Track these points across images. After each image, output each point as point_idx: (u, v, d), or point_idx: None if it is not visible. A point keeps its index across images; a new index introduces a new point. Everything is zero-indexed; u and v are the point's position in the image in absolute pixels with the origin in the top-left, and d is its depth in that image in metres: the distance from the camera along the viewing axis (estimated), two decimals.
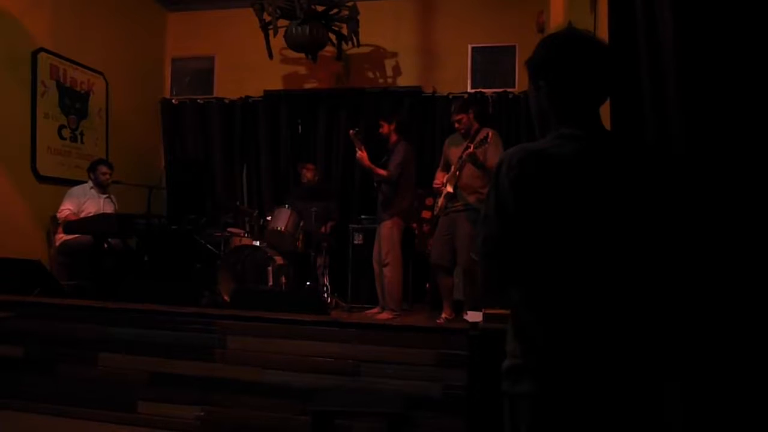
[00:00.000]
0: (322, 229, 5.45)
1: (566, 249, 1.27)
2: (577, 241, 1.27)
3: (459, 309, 4.77)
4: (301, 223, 5.25)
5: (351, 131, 4.83)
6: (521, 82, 6.10)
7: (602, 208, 1.28)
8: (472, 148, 4.20)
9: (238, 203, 5.93)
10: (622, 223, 1.28)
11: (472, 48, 6.31)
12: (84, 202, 5.00)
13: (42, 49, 5.18)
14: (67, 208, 4.89)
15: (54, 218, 5.02)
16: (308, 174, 5.78)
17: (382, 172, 4.71)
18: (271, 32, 5.58)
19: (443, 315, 4.48)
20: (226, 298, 4.70)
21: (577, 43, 1.38)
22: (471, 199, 4.38)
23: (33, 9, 5.09)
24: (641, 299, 1.29)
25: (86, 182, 5.14)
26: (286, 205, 5.28)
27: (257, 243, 5.07)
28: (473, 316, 2.82)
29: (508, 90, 6.09)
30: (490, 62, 6.30)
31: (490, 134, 4.19)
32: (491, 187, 1.34)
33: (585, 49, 1.36)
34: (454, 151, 4.61)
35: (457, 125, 4.51)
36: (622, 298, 1.27)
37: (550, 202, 1.27)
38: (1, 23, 4.75)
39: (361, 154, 4.73)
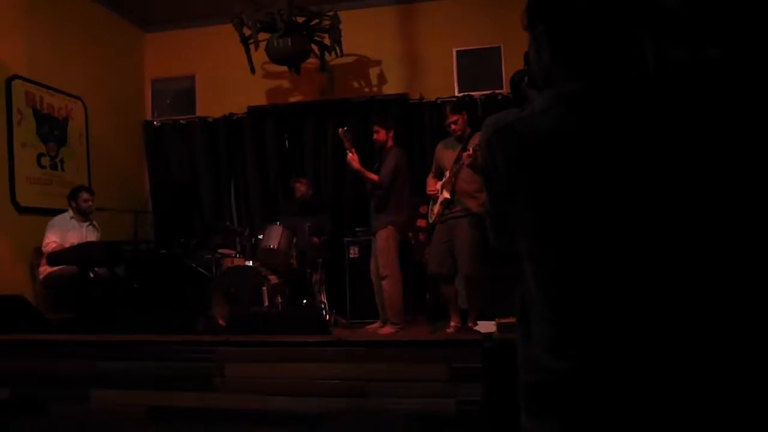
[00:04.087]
0: (315, 240, 5.27)
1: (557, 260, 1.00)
2: (574, 252, 0.99)
3: (463, 318, 4.64)
4: (294, 240, 5.10)
5: (340, 129, 4.67)
6: (509, 83, 6.01)
7: (607, 196, 0.96)
8: (471, 151, 4.08)
9: (227, 223, 5.77)
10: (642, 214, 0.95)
11: (457, 51, 6.23)
12: (66, 232, 4.80)
13: (16, 76, 5.01)
14: (52, 241, 4.69)
15: (37, 250, 4.82)
16: (302, 188, 5.64)
17: (374, 176, 4.57)
18: (252, 46, 5.45)
19: (452, 323, 4.32)
20: (221, 322, 4.52)
21: None
22: (470, 203, 4.26)
23: (6, 36, 4.93)
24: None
25: (66, 211, 4.95)
26: (278, 222, 5.13)
27: (250, 263, 4.91)
28: (485, 326, 2.69)
29: (496, 92, 5.99)
30: (476, 65, 6.22)
31: None
32: None
33: None
34: (448, 155, 4.49)
35: (453, 126, 4.39)
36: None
37: (531, 196, 1.01)
38: None
39: (352, 156, 4.56)
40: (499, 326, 2.42)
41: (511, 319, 2.49)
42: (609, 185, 0.97)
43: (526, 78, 1.26)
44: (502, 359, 2.41)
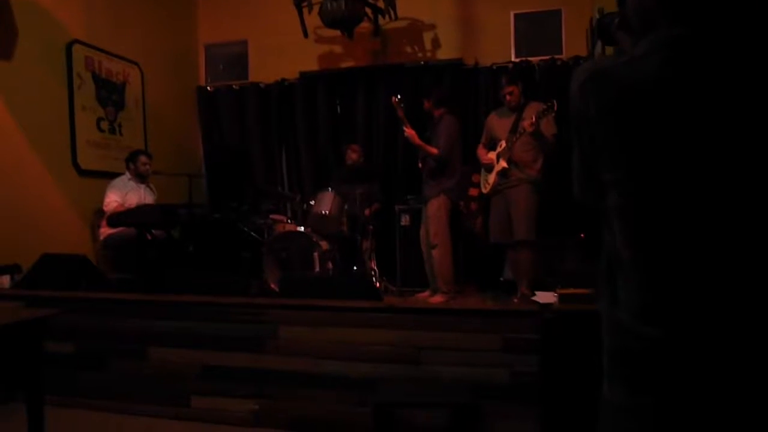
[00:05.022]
0: (367, 212, 5.26)
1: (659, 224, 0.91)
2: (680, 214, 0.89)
3: (511, 289, 4.56)
4: (345, 206, 5.08)
5: (393, 98, 4.62)
6: (569, 47, 5.77)
7: (711, 150, 0.86)
8: (534, 119, 3.97)
9: (279, 188, 5.80)
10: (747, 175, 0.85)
11: (515, 15, 6.00)
12: (126, 193, 4.93)
13: (76, 41, 5.11)
14: (113, 200, 4.81)
15: (97, 212, 4.97)
16: (354, 155, 5.60)
17: (434, 150, 4.51)
18: (305, 10, 5.38)
19: (522, 291, 4.24)
20: (272, 286, 4.59)
21: None
22: (528, 171, 4.18)
23: (65, 1, 5.01)
24: None
25: (124, 174, 5.06)
26: (329, 189, 5.12)
27: (301, 228, 4.93)
28: (543, 297, 2.61)
29: (556, 57, 5.75)
30: (535, 29, 5.98)
31: (555, 103, 3.99)
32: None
33: None
34: (502, 125, 4.41)
35: (509, 97, 4.34)
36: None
37: (628, 148, 0.92)
38: (34, 16, 4.67)
39: (410, 132, 4.55)
40: (561, 297, 2.34)
41: (574, 290, 2.40)
42: (714, 138, 0.87)
43: (616, 21, 1.17)
44: (563, 331, 2.33)
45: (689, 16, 0.92)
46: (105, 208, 4.81)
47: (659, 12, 0.96)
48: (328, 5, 5.23)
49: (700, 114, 0.88)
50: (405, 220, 5.30)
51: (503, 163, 4.24)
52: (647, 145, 0.91)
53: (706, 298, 0.88)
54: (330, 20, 5.37)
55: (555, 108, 4.01)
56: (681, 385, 0.90)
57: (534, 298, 2.67)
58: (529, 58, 5.83)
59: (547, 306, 2.44)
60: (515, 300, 4.14)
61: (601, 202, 1.05)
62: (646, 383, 0.92)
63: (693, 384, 0.89)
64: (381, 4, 5.50)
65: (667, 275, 0.91)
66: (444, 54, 6.17)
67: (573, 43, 5.72)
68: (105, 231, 4.77)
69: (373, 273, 5.09)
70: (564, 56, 5.74)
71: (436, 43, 6.22)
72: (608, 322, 1.01)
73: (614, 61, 0.96)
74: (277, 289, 4.46)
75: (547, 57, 5.78)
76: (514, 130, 4.27)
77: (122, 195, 4.88)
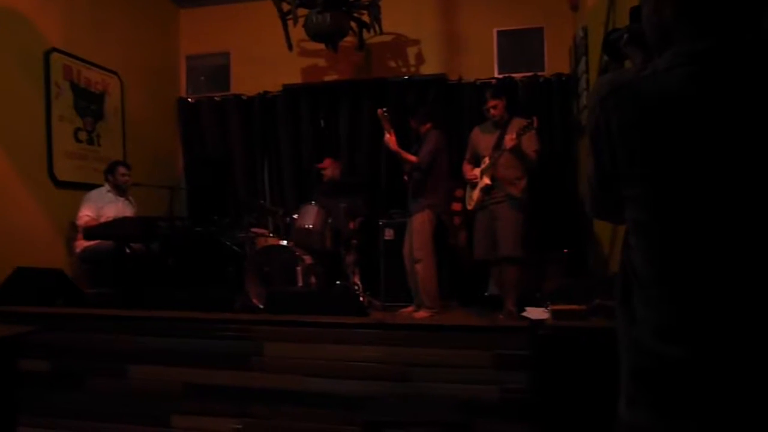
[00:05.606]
0: (352, 225, 5.21)
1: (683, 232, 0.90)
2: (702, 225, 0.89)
3: (495, 305, 4.53)
4: (329, 220, 5.03)
5: (380, 110, 4.58)
6: (551, 64, 5.84)
7: (737, 164, 0.87)
8: (515, 135, 3.97)
9: (261, 202, 5.72)
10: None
11: (498, 32, 6.05)
12: (102, 206, 4.80)
13: (54, 50, 4.99)
14: (86, 215, 4.70)
15: (74, 224, 4.84)
16: (327, 171, 5.52)
17: (412, 158, 4.49)
18: (290, 22, 5.35)
19: (509, 308, 4.21)
20: (254, 301, 4.50)
21: None
22: (511, 189, 4.18)
23: (44, 8, 4.90)
24: None
25: (102, 186, 4.94)
26: (313, 202, 5.06)
27: (284, 242, 4.85)
28: (534, 313, 2.59)
29: (538, 74, 5.81)
30: (517, 46, 6.04)
31: (535, 120, 4.00)
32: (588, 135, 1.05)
33: None
34: (485, 141, 4.41)
35: (492, 111, 4.33)
36: None
37: (652, 163, 0.92)
38: (12, 23, 4.57)
39: (390, 137, 4.50)
40: (554, 313, 2.31)
41: (566, 306, 2.38)
42: (741, 152, 0.86)
43: (625, 36, 1.16)
44: (556, 347, 2.31)
45: (711, 29, 0.92)
46: (77, 222, 4.69)
47: (679, 26, 0.95)
48: (314, 18, 5.21)
49: (725, 128, 0.87)
50: (389, 234, 5.25)
51: (486, 180, 4.24)
52: (672, 160, 0.90)
53: (734, 316, 0.86)
54: (315, 33, 5.35)
55: (535, 124, 4.03)
56: (704, 406, 0.87)
57: (524, 314, 2.65)
58: (512, 75, 5.88)
59: (538, 322, 2.41)
60: (500, 317, 4.11)
61: (616, 217, 1.04)
62: (678, 406, 0.89)
63: (718, 405, 0.87)
64: (366, 19, 5.50)
65: (691, 293, 0.89)
66: (428, 69, 6.18)
67: (555, 60, 5.79)
68: (81, 244, 4.64)
69: (356, 287, 5.03)
70: (546, 73, 5.80)
71: (420, 59, 6.23)
72: (626, 341, 0.99)
73: (636, 76, 0.95)
74: (259, 304, 4.38)
75: (530, 73, 5.83)
76: (497, 146, 4.27)
77: (97, 208, 4.76)
